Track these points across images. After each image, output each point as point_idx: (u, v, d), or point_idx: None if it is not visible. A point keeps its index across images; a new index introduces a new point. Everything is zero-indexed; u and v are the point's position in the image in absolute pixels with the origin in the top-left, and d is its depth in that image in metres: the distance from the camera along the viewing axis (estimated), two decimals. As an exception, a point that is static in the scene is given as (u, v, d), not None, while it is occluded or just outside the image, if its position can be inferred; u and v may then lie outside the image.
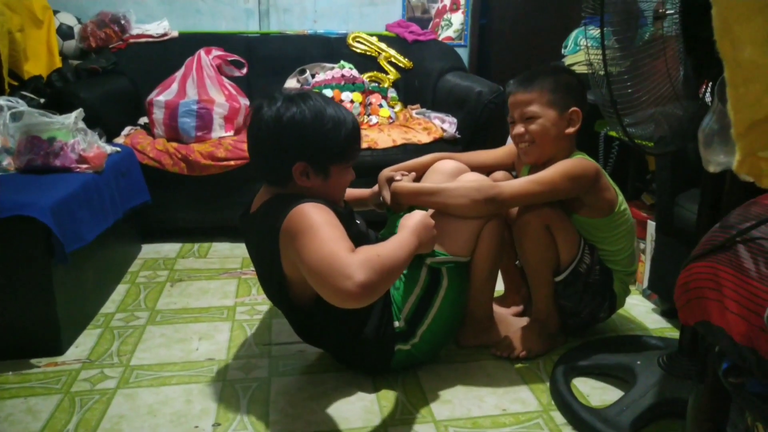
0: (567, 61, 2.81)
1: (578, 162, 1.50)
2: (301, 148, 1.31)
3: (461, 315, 1.56)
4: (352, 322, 1.41)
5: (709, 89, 1.32)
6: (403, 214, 1.45)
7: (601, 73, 1.21)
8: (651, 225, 1.94)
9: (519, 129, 1.57)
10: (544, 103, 1.53)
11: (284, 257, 1.30)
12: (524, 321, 1.70)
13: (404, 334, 1.46)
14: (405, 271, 1.44)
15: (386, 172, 1.64)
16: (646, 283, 1.96)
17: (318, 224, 1.22)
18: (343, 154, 1.35)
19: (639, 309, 1.91)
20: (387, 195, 1.58)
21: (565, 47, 2.80)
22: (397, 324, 1.45)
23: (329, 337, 1.48)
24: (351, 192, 1.77)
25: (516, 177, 1.74)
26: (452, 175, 1.59)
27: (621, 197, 1.58)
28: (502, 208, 1.52)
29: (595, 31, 1.24)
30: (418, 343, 1.47)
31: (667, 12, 1.21)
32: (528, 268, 1.58)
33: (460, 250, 1.47)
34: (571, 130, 1.55)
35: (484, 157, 1.77)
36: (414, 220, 1.36)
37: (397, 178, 1.58)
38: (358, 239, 1.31)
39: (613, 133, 2.05)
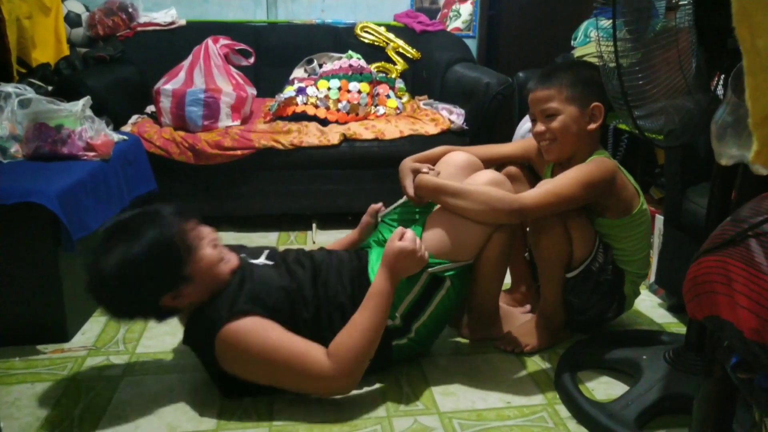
0: (576, 52, 2.79)
1: (596, 167, 1.46)
2: (149, 293, 1.28)
3: (458, 306, 1.55)
4: None
5: (721, 82, 1.30)
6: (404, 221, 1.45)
7: (612, 65, 1.20)
8: (659, 219, 1.93)
9: (540, 127, 1.53)
10: (564, 100, 1.49)
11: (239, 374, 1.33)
12: (530, 316, 1.70)
13: (399, 330, 1.44)
14: None
15: (410, 162, 1.60)
16: (653, 278, 1.95)
17: (260, 344, 1.26)
18: (183, 259, 1.28)
19: (646, 304, 1.90)
20: (410, 185, 1.54)
21: (575, 39, 2.78)
22: (390, 322, 1.42)
23: None
24: (342, 241, 1.77)
25: (534, 173, 1.71)
26: (463, 167, 1.57)
27: (642, 197, 1.55)
28: (522, 220, 1.50)
29: (606, 23, 1.23)
30: (414, 336, 1.46)
31: (680, 3, 1.20)
32: (540, 262, 1.57)
33: (465, 255, 1.46)
34: (593, 126, 1.51)
35: (497, 151, 1.72)
36: (389, 260, 1.34)
37: (424, 170, 1.54)
38: (263, 281, 1.36)
39: (622, 126, 2.03)
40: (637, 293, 1.64)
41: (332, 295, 1.41)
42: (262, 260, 1.47)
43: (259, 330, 1.28)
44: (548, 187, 1.44)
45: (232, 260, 1.39)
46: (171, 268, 1.27)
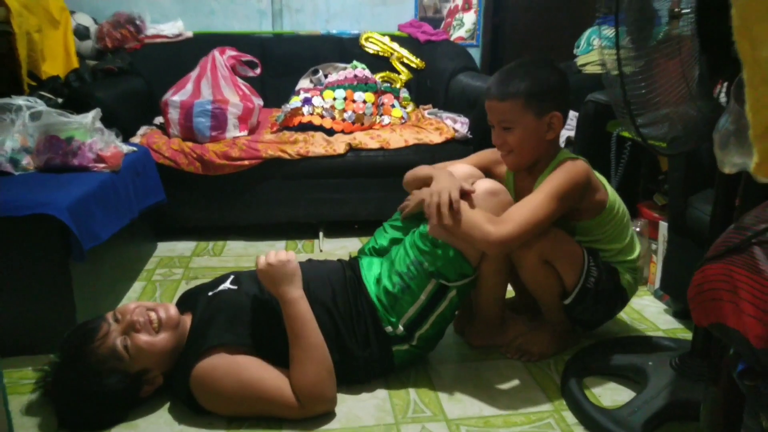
0: (579, 60, 2.80)
1: (566, 176, 1.41)
2: (121, 404, 1.34)
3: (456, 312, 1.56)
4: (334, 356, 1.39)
5: (724, 89, 1.31)
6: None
7: (615, 73, 1.21)
8: (663, 226, 1.94)
9: (498, 138, 1.50)
10: (520, 112, 1.44)
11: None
12: (535, 323, 1.70)
13: (402, 338, 1.45)
14: (407, 279, 1.43)
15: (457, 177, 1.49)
16: (658, 284, 1.96)
17: (231, 384, 1.28)
18: (118, 372, 1.30)
19: (651, 310, 1.90)
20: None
21: (578, 47, 2.79)
22: (390, 329, 1.43)
23: None
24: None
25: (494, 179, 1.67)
26: (466, 180, 1.57)
27: (611, 191, 1.54)
28: (505, 251, 1.45)
29: (609, 31, 1.24)
30: (415, 343, 1.47)
31: (683, 11, 1.21)
32: (534, 295, 1.57)
33: (470, 253, 1.44)
34: (551, 135, 1.47)
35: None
36: (269, 288, 1.38)
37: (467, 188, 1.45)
38: (228, 307, 1.39)
39: (625, 134, 2.04)
40: (637, 280, 1.61)
41: (320, 302, 1.42)
42: (226, 286, 1.47)
43: (229, 369, 1.29)
44: (522, 213, 1.38)
45: (170, 315, 1.36)
46: (118, 388, 1.29)
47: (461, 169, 1.60)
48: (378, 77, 2.86)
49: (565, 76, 1.50)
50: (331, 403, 1.35)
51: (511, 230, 1.35)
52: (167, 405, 1.39)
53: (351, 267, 1.55)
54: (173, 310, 1.38)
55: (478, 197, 1.43)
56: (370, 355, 1.43)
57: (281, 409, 1.31)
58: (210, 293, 1.46)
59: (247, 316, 1.39)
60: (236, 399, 1.30)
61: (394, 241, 1.61)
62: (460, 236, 1.39)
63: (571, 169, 1.44)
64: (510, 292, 1.73)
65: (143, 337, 1.31)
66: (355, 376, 1.45)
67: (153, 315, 1.35)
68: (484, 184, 1.47)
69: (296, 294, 1.36)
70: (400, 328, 1.43)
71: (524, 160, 1.51)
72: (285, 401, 1.30)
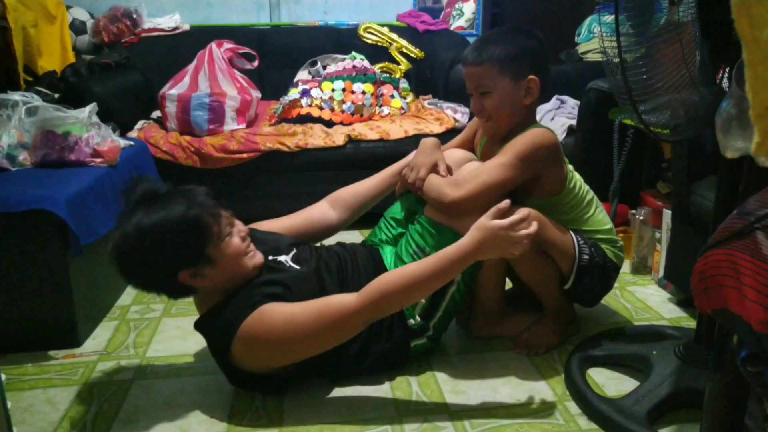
0: (580, 48, 2.78)
1: (530, 141, 1.41)
2: (166, 263, 1.27)
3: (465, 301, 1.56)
4: (353, 349, 1.39)
5: (726, 75, 1.30)
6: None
7: (616, 60, 1.20)
8: (667, 214, 1.92)
9: (476, 105, 1.49)
10: (497, 75, 1.42)
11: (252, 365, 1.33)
12: (536, 315, 1.68)
13: (420, 329, 1.46)
14: None
15: (439, 153, 1.54)
16: (661, 273, 1.94)
17: (281, 319, 1.26)
18: (208, 237, 1.29)
19: (655, 298, 1.89)
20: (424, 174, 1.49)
21: (579, 35, 2.78)
22: (412, 322, 1.44)
23: (329, 367, 1.43)
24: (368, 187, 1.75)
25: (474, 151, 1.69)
26: (461, 163, 1.56)
27: (573, 173, 1.53)
28: (461, 213, 1.43)
29: (609, 18, 1.22)
30: (431, 334, 1.48)
31: (683, -3, 1.19)
32: (532, 287, 1.57)
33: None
34: (529, 100, 1.46)
35: (460, 139, 1.73)
36: (480, 235, 1.26)
37: (442, 173, 1.49)
38: (294, 283, 1.36)
39: (627, 122, 2.02)
40: (619, 256, 1.59)
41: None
42: (288, 261, 1.46)
43: (275, 310, 1.28)
44: (479, 175, 1.39)
45: (258, 257, 1.39)
46: (194, 242, 1.27)
47: (456, 154, 1.60)
48: (377, 68, 2.84)
49: (542, 42, 1.48)
50: (368, 316, 1.29)
51: (465, 192, 1.38)
52: (168, 402, 1.39)
53: (372, 257, 1.54)
54: (260, 257, 1.39)
55: None
56: (389, 347, 1.43)
57: (335, 317, 1.27)
58: (277, 259, 1.44)
59: (306, 290, 1.37)
60: (289, 331, 1.26)
61: (399, 235, 1.60)
62: (425, 200, 1.45)
63: (536, 134, 1.43)
64: (508, 283, 1.72)
65: (239, 242, 1.33)
66: (369, 367, 1.44)
67: (251, 247, 1.37)
68: (473, 166, 1.48)
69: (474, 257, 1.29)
70: (417, 318, 1.44)
71: (502, 127, 1.49)
72: (338, 305, 1.27)
